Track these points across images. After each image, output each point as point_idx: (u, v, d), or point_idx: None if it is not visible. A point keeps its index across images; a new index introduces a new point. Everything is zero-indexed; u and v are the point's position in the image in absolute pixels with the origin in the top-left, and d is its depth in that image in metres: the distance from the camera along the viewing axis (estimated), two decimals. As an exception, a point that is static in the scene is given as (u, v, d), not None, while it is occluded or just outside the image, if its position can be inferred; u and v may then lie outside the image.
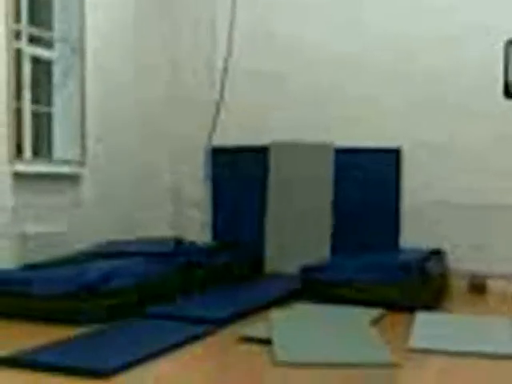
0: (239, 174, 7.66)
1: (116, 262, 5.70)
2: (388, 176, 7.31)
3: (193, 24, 8.06)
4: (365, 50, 7.42)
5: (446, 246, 7.05)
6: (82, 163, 6.77)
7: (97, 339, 4.64)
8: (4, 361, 4.03)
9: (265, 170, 7.60)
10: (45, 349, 4.30)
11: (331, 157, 7.40)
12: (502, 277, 6.91)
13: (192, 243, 6.86)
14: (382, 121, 7.35)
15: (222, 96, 7.86)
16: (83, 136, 6.79)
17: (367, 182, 7.35)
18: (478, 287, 6.95)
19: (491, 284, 6.96)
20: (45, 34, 6.72)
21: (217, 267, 6.73)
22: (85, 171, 6.78)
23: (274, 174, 7.55)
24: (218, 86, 7.89)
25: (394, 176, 7.30)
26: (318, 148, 7.46)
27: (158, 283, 5.88)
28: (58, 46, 6.82)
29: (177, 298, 5.89)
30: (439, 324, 5.35)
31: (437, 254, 6.79)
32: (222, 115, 7.86)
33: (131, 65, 7.50)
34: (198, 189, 7.98)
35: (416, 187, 7.24)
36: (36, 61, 6.64)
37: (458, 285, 6.98)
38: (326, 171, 7.41)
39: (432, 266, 6.21)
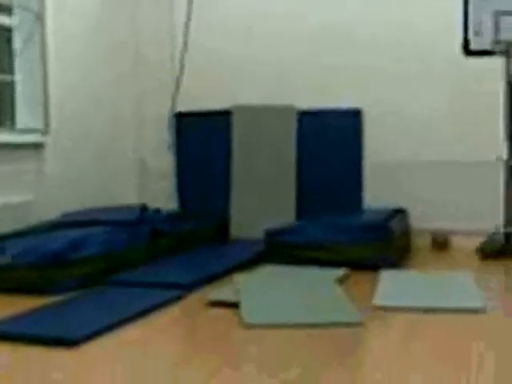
0: (204, 140, 7.67)
1: (82, 231, 5.71)
2: (350, 137, 7.37)
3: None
4: (327, 20, 7.43)
5: (408, 205, 7.15)
6: (45, 132, 6.72)
7: (65, 308, 4.67)
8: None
9: (229, 134, 7.62)
10: (13, 319, 4.32)
11: (294, 119, 7.44)
12: (465, 233, 7.04)
13: (157, 211, 6.88)
14: (344, 87, 7.38)
15: (182, 68, 7.83)
16: (46, 104, 6.73)
17: (330, 143, 7.41)
18: (440, 244, 7.08)
19: (454, 240, 7.09)
20: (4, 1, 6.62)
21: (182, 234, 6.78)
22: (48, 139, 6.74)
23: (237, 138, 7.58)
24: (178, 56, 7.87)
25: (355, 136, 7.35)
26: (280, 111, 7.49)
27: (124, 251, 5.92)
28: (18, 12, 6.73)
29: (143, 265, 5.93)
30: (403, 281, 5.45)
31: (399, 212, 6.89)
32: (185, 82, 7.84)
33: (95, 34, 7.43)
34: (162, 157, 7.98)
35: (377, 147, 7.31)
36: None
37: (421, 242, 7.10)
38: (289, 134, 7.45)
39: (395, 224, 6.31)
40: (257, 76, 7.66)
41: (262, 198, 7.42)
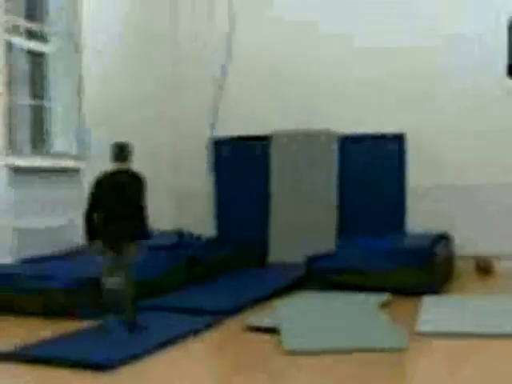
0: (242, 166, 7.61)
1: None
2: (393, 161, 7.28)
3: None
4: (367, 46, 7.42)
5: (451, 229, 7.00)
6: (80, 157, 6.72)
7: (103, 333, 4.60)
8: (8, 356, 4.00)
9: (267, 160, 7.55)
10: (50, 343, 4.27)
11: (334, 144, 7.36)
12: (509, 258, 6.87)
13: (195, 236, 6.81)
14: (387, 112, 7.33)
15: (220, 94, 7.82)
16: (81, 130, 6.73)
17: (373, 168, 7.32)
18: (484, 268, 6.91)
19: (497, 265, 6.92)
20: (40, 28, 6.65)
21: (220, 260, 6.69)
22: (84, 164, 6.72)
23: (277, 164, 7.50)
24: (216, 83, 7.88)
25: (398, 161, 7.27)
26: (320, 136, 7.42)
27: (161, 277, 5.84)
28: (54, 39, 6.75)
29: (180, 291, 5.85)
30: (446, 307, 5.31)
31: (443, 237, 6.73)
32: (222, 108, 7.83)
33: (132, 65, 7.45)
34: (201, 182, 7.94)
35: (420, 171, 7.20)
36: (32, 55, 6.58)
37: (465, 267, 6.93)
38: (330, 159, 7.36)
39: (439, 250, 6.18)
40: (293, 102, 7.61)
41: (301, 224, 7.31)
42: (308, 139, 7.47)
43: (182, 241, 6.50)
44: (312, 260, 6.22)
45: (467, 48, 7.07)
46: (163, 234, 6.84)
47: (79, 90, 6.75)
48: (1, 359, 3.98)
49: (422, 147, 7.20)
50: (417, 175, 7.23)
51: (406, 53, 7.27)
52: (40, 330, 4.64)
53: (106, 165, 6.94)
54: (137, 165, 7.30)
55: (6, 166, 5.90)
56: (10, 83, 6.13)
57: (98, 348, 4.18)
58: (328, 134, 7.40)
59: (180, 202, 8.03)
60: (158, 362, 3.97)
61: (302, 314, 5.11)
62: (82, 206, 6.55)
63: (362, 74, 7.43)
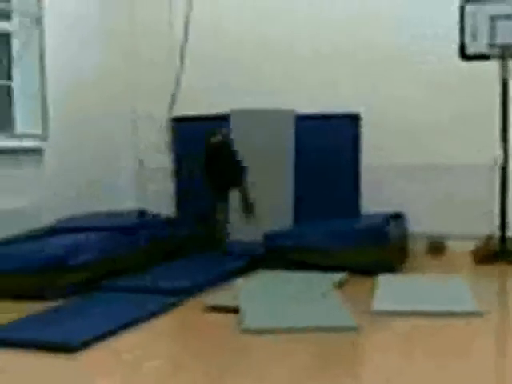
0: (201, 144, 7.66)
1: (81, 237, 5.73)
2: (348, 141, 7.38)
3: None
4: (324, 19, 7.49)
5: (404, 209, 7.16)
6: (43, 137, 6.74)
7: (65, 314, 4.70)
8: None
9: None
10: (12, 325, 4.35)
11: (292, 123, 7.45)
12: (460, 237, 7.05)
13: (155, 216, 6.90)
14: (342, 91, 7.43)
15: (181, 70, 7.86)
16: (44, 109, 6.75)
17: (328, 148, 7.42)
18: (436, 248, 7.10)
19: (450, 245, 7.11)
20: (2, 6, 6.63)
21: (180, 239, 6.79)
22: (46, 145, 6.75)
23: (235, 143, 7.58)
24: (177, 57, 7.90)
25: (353, 141, 7.37)
26: (278, 114, 7.50)
27: (123, 257, 5.94)
28: (16, 17, 6.74)
29: (142, 271, 5.95)
30: (400, 286, 5.49)
31: (397, 217, 6.90)
32: (183, 85, 7.87)
33: (93, 37, 7.46)
34: (160, 161, 8.00)
35: (373, 151, 7.32)
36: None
37: (418, 247, 7.12)
38: (288, 138, 7.46)
39: (392, 229, 6.33)
40: (254, 80, 7.68)
41: (259, 202, 7.41)
42: (266, 117, 7.54)
43: (143, 221, 6.58)
44: (269, 238, 6.36)
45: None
46: (124, 213, 6.92)
47: (41, 69, 6.75)
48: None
49: (376, 127, 7.31)
50: (371, 155, 7.35)
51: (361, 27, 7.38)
52: (5, 313, 4.71)
53: (69, 144, 7.02)
54: (95, 143, 7.41)
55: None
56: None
57: (60, 329, 4.28)
58: (286, 113, 7.48)
59: (139, 181, 8.09)
60: (118, 342, 4.08)
61: (260, 292, 5.25)
62: (45, 186, 6.65)
63: (316, 50, 7.51)
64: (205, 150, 7.01)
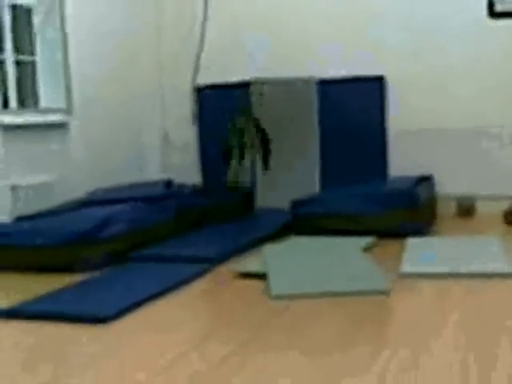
0: (225, 113, 7.64)
1: (109, 209, 5.76)
2: (373, 104, 7.33)
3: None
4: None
5: (433, 171, 7.11)
6: (68, 111, 6.76)
7: (96, 286, 4.73)
8: (6, 312, 4.13)
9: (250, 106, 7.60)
10: (42, 298, 4.39)
11: (314, 90, 7.40)
12: (491, 198, 7.00)
13: (181, 185, 6.91)
14: (366, 54, 7.34)
15: (203, 34, 7.82)
16: (68, 84, 6.76)
17: (353, 112, 7.38)
18: (466, 210, 7.05)
19: (479, 206, 7.06)
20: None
21: (208, 208, 6.81)
22: (72, 119, 6.78)
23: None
24: (198, 28, 7.86)
25: (379, 104, 7.32)
26: (299, 82, 7.46)
27: (151, 227, 5.97)
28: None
29: (170, 240, 5.98)
30: (430, 248, 5.46)
31: (425, 179, 6.86)
32: (205, 54, 7.84)
33: (115, 10, 7.44)
34: (185, 131, 8.00)
35: (401, 114, 7.26)
36: (15, 9, 6.58)
37: (447, 209, 7.08)
38: (310, 105, 7.42)
39: (421, 191, 6.29)
40: (278, 46, 7.63)
41: (285, 170, 7.41)
42: (287, 85, 7.51)
43: (170, 191, 6.59)
44: (296, 205, 6.35)
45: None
46: (151, 184, 6.94)
47: (64, 43, 6.75)
48: (1, 316, 4.11)
49: (403, 90, 7.25)
50: (398, 119, 7.29)
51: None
52: (37, 286, 4.76)
53: (94, 118, 7.05)
54: (120, 115, 7.43)
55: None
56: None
57: (92, 301, 4.32)
58: (307, 80, 7.43)
59: (165, 151, 8.10)
60: (150, 312, 4.11)
61: (289, 258, 5.25)
62: (72, 160, 6.69)
63: (340, 14, 7.44)
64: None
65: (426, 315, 3.80)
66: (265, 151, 7.10)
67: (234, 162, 7.03)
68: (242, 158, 7.08)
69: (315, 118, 7.42)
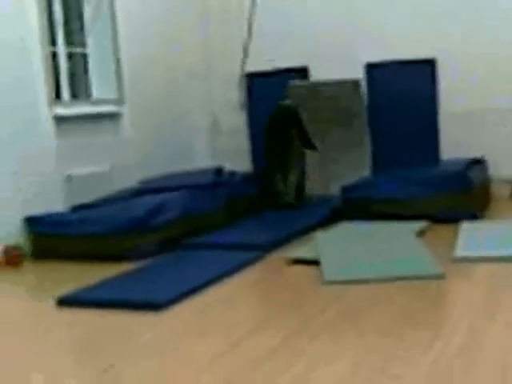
0: (275, 99, 7.62)
1: (161, 197, 5.81)
2: (424, 87, 7.25)
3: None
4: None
5: (485, 154, 7.00)
6: (120, 101, 6.82)
7: (149, 273, 4.80)
8: (64, 300, 4.20)
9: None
10: (98, 286, 4.46)
11: (360, 92, 7.34)
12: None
13: (232, 173, 6.93)
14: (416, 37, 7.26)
15: (251, 22, 7.81)
16: (119, 74, 6.82)
17: (402, 95, 7.31)
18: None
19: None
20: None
21: (258, 195, 6.83)
22: (124, 109, 6.84)
23: (308, 101, 7.51)
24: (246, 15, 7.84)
25: (430, 86, 7.23)
26: (344, 85, 7.38)
27: (202, 215, 6.00)
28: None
29: (222, 228, 6.01)
30: (484, 232, 5.39)
31: (478, 163, 6.76)
32: (254, 41, 7.83)
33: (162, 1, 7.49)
34: (234, 117, 8.02)
35: (453, 97, 7.16)
36: (66, 1, 6.66)
37: (501, 192, 6.97)
38: (357, 105, 7.36)
39: (474, 174, 6.19)
40: (325, 32, 7.57)
41: (337, 156, 7.37)
42: (332, 90, 7.44)
43: (220, 178, 6.62)
44: (347, 190, 6.31)
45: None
46: (201, 172, 6.98)
47: (114, 34, 6.81)
48: (60, 304, 4.18)
49: (453, 72, 7.15)
50: (448, 101, 7.20)
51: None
52: (91, 275, 4.84)
53: (145, 107, 7.10)
54: (170, 104, 7.47)
55: (52, 116, 6.02)
56: (50, 31, 6.22)
57: (145, 288, 4.38)
58: (354, 82, 7.36)
59: (215, 139, 8.13)
60: (203, 299, 4.14)
61: (341, 244, 5.24)
62: (124, 150, 6.76)
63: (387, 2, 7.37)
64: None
65: (479, 301, 3.76)
66: (303, 137, 7.04)
67: (278, 180, 7.01)
68: (285, 176, 7.01)
69: (363, 109, 7.35)
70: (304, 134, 7.05)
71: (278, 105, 7.11)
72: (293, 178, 7.00)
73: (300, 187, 7.05)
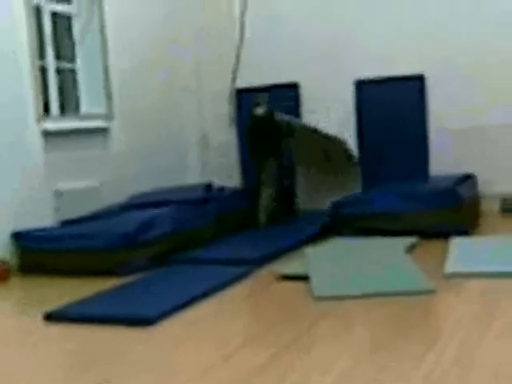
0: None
1: (150, 213, 5.79)
2: (414, 103, 7.27)
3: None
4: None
5: (475, 170, 7.01)
6: (109, 116, 6.81)
7: (139, 288, 4.77)
8: (52, 315, 4.17)
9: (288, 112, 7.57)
10: (88, 301, 4.43)
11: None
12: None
13: (221, 188, 6.93)
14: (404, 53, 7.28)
15: (242, 38, 7.82)
16: (108, 89, 6.81)
17: (393, 111, 7.33)
18: (510, 209, 6.95)
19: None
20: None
21: (247, 211, 6.81)
22: (113, 124, 6.83)
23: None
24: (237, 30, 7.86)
25: (419, 102, 7.25)
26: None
27: (192, 230, 5.99)
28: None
29: (211, 243, 5.99)
30: (474, 248, 5.39)
31: (467, 178, 6.77)
32: (244, 57, 7.84)
33: (154, 11, 7.49)
34: (224, 133, 8.01)
35: (442, 113, 7.18)
36: (56, 16, 6.65)
37: (490, 208, 6.98)
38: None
39: (464, 190, 6.20)
40: (316, 48, 7.59)
41: (326, 172, 7.37)
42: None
43: (210, 194, 6.61)
44: (337, 206, 6.31)
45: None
46: (191, 187, 6.97)
47: (103, 49, 6.80)
48: (48, 319, 4.14)
49: (443, 88, 7.17)
50: (438, 117, 7.21)
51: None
52: (80, 290, 4.80)
53: (134, 122, 7.09)
54: (160, 119, 7.46)
55: (41, 131, 6.00)
56: (39, 46, 6.21)
57: (135, 304, 4.35)
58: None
59: (205, 154, 8.12)
60: (192, 314, 4.11)
61: (331, 260, 5.23)
62: (114, 165, 6.74)
63: (377, 10, 7.42)
64: (249, 121, 7.00)
65: (471, 315, 3.75)
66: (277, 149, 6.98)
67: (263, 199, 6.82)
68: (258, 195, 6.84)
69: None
70: (279, 146, 6.91)
71: (250, 114, 7.01)
72: (265, 197, 6.83)
73: (274, 207, 6.86)
